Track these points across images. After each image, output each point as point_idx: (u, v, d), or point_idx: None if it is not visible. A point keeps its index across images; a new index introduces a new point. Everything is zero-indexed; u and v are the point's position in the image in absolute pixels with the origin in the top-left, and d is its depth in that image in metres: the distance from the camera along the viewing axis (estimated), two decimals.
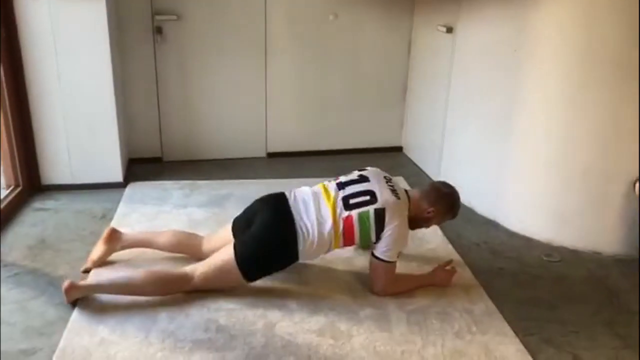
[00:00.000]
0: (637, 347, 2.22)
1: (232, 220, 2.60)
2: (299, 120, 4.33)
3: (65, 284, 2.32)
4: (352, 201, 2.40)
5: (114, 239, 2.66)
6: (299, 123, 4.34)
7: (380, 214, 2.36)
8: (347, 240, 2.41)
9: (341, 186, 2.47)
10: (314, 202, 2.42)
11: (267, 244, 2.37)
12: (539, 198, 3.09)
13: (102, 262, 2.64)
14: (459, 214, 2.64)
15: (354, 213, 2.37)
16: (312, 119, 4.35)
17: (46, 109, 3.39)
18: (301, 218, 2.37)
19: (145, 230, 2.96)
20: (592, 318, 2.41)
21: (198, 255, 2.60)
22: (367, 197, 2.40)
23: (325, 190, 2.48)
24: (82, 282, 2.39)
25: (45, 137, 3.45)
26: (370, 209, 2.37)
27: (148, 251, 2.70)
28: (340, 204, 2.40)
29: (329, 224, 2.36)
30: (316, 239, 2.35)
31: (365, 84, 4.33)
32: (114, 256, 2.69)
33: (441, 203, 2.53)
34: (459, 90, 3.58)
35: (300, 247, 2.35)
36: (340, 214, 2.37)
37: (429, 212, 2.51)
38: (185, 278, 2.37)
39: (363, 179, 2.50)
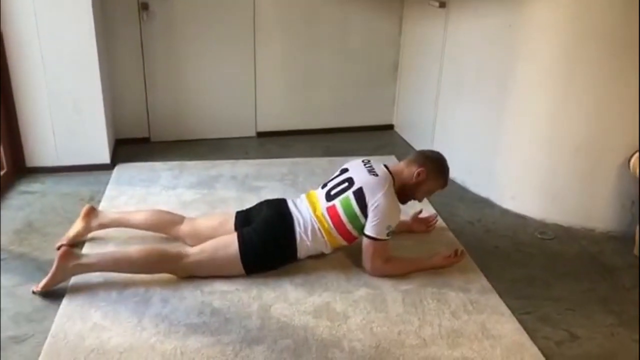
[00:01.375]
0: (632, 324, 2.23)
1: (227, 212, 2.68)
2: (288, 99, 4.27)
3: (62, 249, 2.31)
4: (332, 192, 2.51)
5: (92, 216, 2.66)
6: (289, 102, 4.28)
7: (359, 194, 2.42)
8: (341, 230, 2.46)
9: (324, 185, 2.60)
10: (304, 204, 2.54)
11: (268, 238, 2.42)
12: (532, 175, 3.08)
13: (78, 240, 2.63)
14: (454, 198, 2.62)
15: (336, 201, 2.46)
16: (302, 98, 4.29)
17: (30, 89, 3.30)
18: (297, 219, 2.47)
19: (125, 210, 2.93)
20: (586, 295, 2.42)
21: (176, 235, 2.62)
22: (346, 184, 2.49)
23: (309, 193, 2.62)
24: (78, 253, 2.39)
25: (29, 118, 3.36)
26: (349, 192, 2.45)
27: (130, 231, 2.67)
28: (322, 199, 2.51)
29: (310, 218, 2.46)
30: (309, 236, 2.44)
31: (356, 61, 4.26)
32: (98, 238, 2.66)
33: (429, 163, 2.52)
34: (451, 67, 3.53)
35: (298, 246, 2.45)
36: (323, 207, 2.47)
37: (418, 174, 2.48)
38: (179, 256, 2.36)
39: (343, 171, 2.60)
